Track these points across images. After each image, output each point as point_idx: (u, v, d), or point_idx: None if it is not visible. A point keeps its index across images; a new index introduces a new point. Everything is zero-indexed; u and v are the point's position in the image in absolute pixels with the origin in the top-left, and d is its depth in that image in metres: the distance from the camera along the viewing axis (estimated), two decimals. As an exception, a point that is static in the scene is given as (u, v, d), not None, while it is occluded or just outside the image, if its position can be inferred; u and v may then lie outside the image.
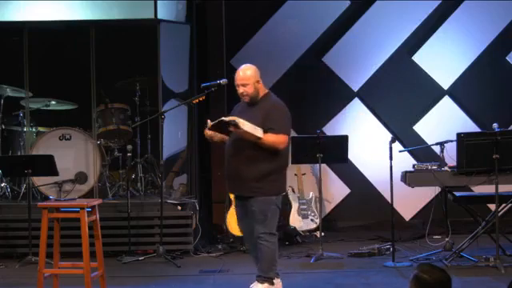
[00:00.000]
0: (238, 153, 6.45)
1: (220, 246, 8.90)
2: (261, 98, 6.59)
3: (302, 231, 9.27)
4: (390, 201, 7.95)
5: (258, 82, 6.58)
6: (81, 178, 9.02)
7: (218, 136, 6.57)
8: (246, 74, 6.57)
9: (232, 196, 8.84)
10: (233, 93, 9.76)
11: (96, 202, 6.56)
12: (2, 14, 9.18)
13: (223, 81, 7.57)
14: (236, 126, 6.28)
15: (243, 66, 6.68)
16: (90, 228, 6.39)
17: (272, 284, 6.56)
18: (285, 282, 6.86)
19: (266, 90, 6.67)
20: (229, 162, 6.56)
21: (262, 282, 6.56)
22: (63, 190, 8.85)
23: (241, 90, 6.56)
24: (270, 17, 10.11)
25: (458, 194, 8.07)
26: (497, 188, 7.50)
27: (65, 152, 8.96)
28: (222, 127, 6.44)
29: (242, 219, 6.70)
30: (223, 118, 6.38)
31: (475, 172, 7.64)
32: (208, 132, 6.56)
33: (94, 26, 9.15)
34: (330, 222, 9.95)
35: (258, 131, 6.35)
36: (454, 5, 10.03)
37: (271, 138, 6.38)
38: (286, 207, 9.38)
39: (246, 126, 6.31)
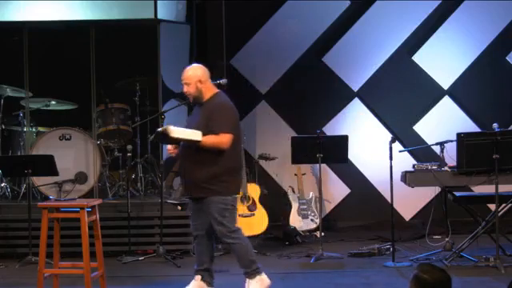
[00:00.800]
0: (187, 156, 6.49)
1: (220, 246, 8.88)
2: (208, 99, 6.56)
3: (302, 231, 9.27)
4: (390, 201, 7.95)
5: (200, 81, 6.52)
6: (81, 177, 9.02)
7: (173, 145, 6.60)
8: (188, 74, 6.57)
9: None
10: (233, 93, 9.81)
11: (96, 201, 6.57)
12: (2, 14, 9.18)
13: (223, 81, 7.56)
14: (167, 134, 6.29)
15: (189, 66, 6.70)
16: (90, 228, 6.39)
17: (260, 273, 6.61)
18: (285, 282, 6.87)
19: (215, 91, 6.62)
20: (181, 165, 6.62)
21: (252, 277, 6.60)
22: (63, 189, 8.85)
23: (184, 88, 6.58)
24: (270, 17, 10.11)
25: (457, 194, 8.07)
26: (497, 188, 7.50)
27: (65, 152, 8.95)
28: (162, 138, 6.49)
29: (195, 220, 6.67)
30: (158, 130, 6.40)
31: (475, 172, 7.64)
32: (170, 148, 6.60)
33: (94, 26, 9.15)
34: (329, 222, 9.95)
35: (195, 135, 6.34)
36: (453, 5, 10.04)
37: (210, 140, 6.36)
38: (286, 207, 9.39)
39: (177, 133, 6.31)
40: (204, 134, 6.37)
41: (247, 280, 6.62)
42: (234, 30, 9.99)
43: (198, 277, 6.74)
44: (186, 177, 6.59)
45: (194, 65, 6.73)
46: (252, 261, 6.64)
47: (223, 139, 6.39)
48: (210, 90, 6.59)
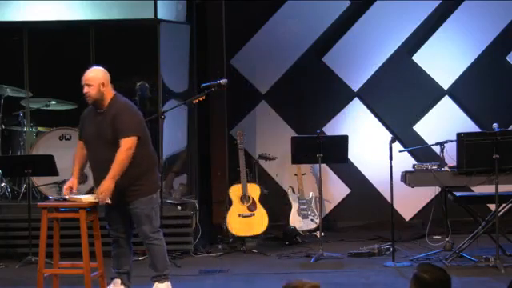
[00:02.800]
0: (102, 168, 6.34)
1: (220, 246, 8.90)
2: (108, 104, 6.46)
3: (302, 231, 9.27)
4: (390, 201, 7.95)
5: (103, 84, 6.43)
6: (81, 177, 9.00)
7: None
8: (90, 75, 6.45)
9: (234, 195, 8.87)
10: (233, 93, 9.82)
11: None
12: (2, 14, 9.19)
13: (223, 81, 7.59)
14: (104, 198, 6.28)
15: (92, 68, 6.57)
16: (90, 228, 6.39)
17: (169, 280, 6.62)
18: (285, 282, 6.85)
19: (113, 93, 6.52)
20: (97, 177, 6.46)
21: (162, 282, 6.59)
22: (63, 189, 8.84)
23: (85, 89, 6.44)
24: (270, 17, 10.11)
25: (458, 194, 8.07)
26: (497, 188, 7.50)
27: (65, 152, 8.94)
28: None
29: (117, 223, 6.59)
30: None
31: (475, 172, 7.64)
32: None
33: (94, 26, 9.15)
34: (329, 222, 9.94)
35: (116, 173, 6.25)
36: (453, 5, 10.03)
37: (121, 151, 6.27)
38: (286, 207, 9.39)
39: (106, 189, 6.23)
40: (111, 142, 6.30)
41: (156, 284, 6.58)
42: (234, 30, 9.99)
43: (118, 280, 6.67)
44: (97, 179, 6.46)
45: (96, 67, 6.59)
46: (166, 265, 6.65)
47: (129, 144, 6.29)
48: (110, 94, 6.49)
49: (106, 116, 6.40)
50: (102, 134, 6.37)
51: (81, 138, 6.64)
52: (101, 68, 6.57)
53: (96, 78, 6.42)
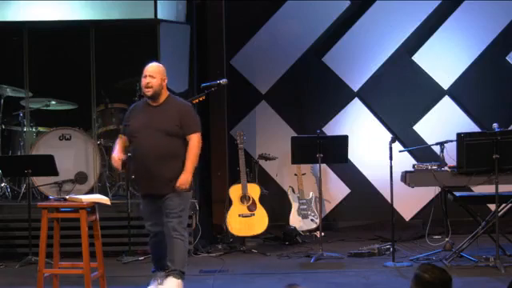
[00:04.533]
0: (154, 154, 6.50)
1: (220, 246, 8.90)
2: (165, 99, 6.65)
3: (302, 231, 9.27)
4: (390, 201, 7.94)
5: (163, 79, 6.67)
6: (81, 177, 9.02)
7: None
8: (154, 69, 6.68)
9: (234, 195, 8.87)
10: (233, 93, 9.83)
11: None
12: (2, 14, 9.18)
13: (223, 81, 7.58)
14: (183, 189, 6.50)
15: (153, 63, 6.82)
16: (90, 228, 6.40)
17: (183, 280, 6.66)
18: (285, 282, 6.85)
19: (168, 93, 6.75)
20: (142, 163, 6.57)
21: (178, 277, 6.60)
22: (63, 189, 8.85)
23: (147, 80, 6.61)
24: (270, 17, 10.11)
25: (457, 194, 8.07)
26: (497, 188, 7.50)
27: (65, 152, 8.96)
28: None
29: (156, 218, 6.67)
30: None
31: (475, 172, 7.64)
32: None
33: (94, 26, 9.15)
34: (330, 222, 9.95)
35: (192, 166, 6.55)
36: (453, 5, 10.03)
37: (195, 146, 6.57)
38: (286, 207, 9.39)
39: (186, 182, 6.48)
40: (171, 135, 6.50)
41: (170, 278, 6.59)
42: (234, 30, 9.99)
43: (163, 273, 6.70)
44: (146, 175, 6.56)
45: (157, 63, 6.84)
46: (185, 263, 6.69)
47: (198, 140, 6.61)
48: (166, 92, 6.72)
49: (164, 109, 6.60)
50: (159, 124, 6.52)
51: (124, 133, 6.73)
52: (161, 65, 6.83)
53: (159, 71, 6.66)
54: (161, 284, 6.64)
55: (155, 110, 6.62)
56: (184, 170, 6.48)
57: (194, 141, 6.56)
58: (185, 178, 6.47)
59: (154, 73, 6.62)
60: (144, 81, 6.62)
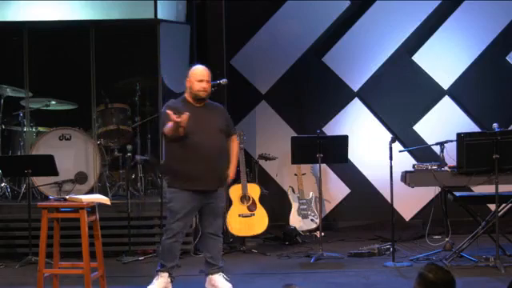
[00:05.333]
0: (214, 153, 6.71)
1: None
2: (206, 102, 6.85)
3: (302, 231, 9.27)
4: (389, 201, 7.94)
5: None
6: (81, 178, 9.02)
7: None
8: (207, 73, 6.83)
9: (234, 195, 8.87)
10: (233, 93, 9.83)
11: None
12: (2, 14, 9.19)
13: (223, 81, 7.56)
14: None
15: (201, 66, 6.92)
16: (90, 228, 6.39)
17: None
18: (285, 282, 6.86)
19: None
20: (201, 159, 6.65)
21: (222, 272, 6.86)
22: (63, 189, 8.85)
23: (204, 85, 6.74)
24: (270, 17, 10.11)
25: (457, 194, 8.07)
26: (497, 188, 7.50)
27: (65, 152, 8.95)
28: None
29: (188, 216, 6.79)
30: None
31: (475, 172, 7.64)
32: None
33: (94, 26, 9.15)
34: (330, 222, 9.95)
35: (236, 164, 7.08)
36: (453, 5, 10.03)
37: (236, 145, 7.07)
38: (286, 207, 9.39)
39: (234, 170, 7.00)
40: (223, 133, 6.82)
41: (218, 275, 6.82)
42: (234, 30, 9.99)
43: (166, 274, 6.82)
44: (205, 172, 6.68)
45: (204, 66, 6.94)
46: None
47: (236, 140, 7.12)
48: None
49: (210, 110, 6.83)
50: (214, 124, 6.77)
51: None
52: None
53: (209, 75, 6.85)
54: (214, 285, 6.82)
55: (203, 110, 6.77)
56: (230, 165, 6.89)
57: (235, 139, 7.05)
58: (232, 172, 6.91)
59: (208, 77, 6.80)
60: (200, 85, 6.73)
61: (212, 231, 6.84)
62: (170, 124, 6.49)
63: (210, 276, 6.88)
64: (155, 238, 8.52)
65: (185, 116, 6.44)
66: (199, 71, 6.81)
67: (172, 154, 6.77)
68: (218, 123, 6.80)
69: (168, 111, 6.48)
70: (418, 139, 9.92)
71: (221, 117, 6.90)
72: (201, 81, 6.75)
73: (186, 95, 6.85)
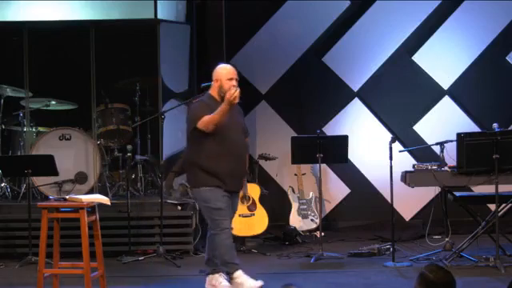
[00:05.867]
0: (242, 154, 6.80)
1: (220, 246, 8.88)
2: None
3: (302, 231, 9.27)
4: (390, 201, 7.94)
5: None
6: (81, 177, 9.02)
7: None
8: (236, 71, 6.84)
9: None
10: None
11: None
12: (2, 14, 9.19)
13: (223, 81, 7.56)
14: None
15: (227, 64, 6.97)
16: (90, 228, 6.39)
17: None
18: (285, 282, 6.85)
19: None
20: (235, 159, 6.68)
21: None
22: (63, 189, 8.85)
23: (234, 83, 6.71)
24: (270, 17, 10.11)
25: (457, 194, 8.07)
26: (497, 188, 7.50)
27: (65, 152, 8.95)
28: None
29: (229, 215, 6.83)
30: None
31: (475, 172, 7.64)
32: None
33: (94, 26, 9.16)
34: (330, 222, 9.95)
35: None
36: (453, 5, 10.03)
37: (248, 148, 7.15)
38: (286, 207, 9.38)
39: None
40: (244, 132, 6.91)
41: (221, 275, 6.79)
42: (234, 30, 9.99)
43: (240, 272, 6.79)
44: (237, 171, 6.74)
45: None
46: None
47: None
48: None
49: (234, 109, 6.72)
50: (241, 124, 6.88)
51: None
52: None
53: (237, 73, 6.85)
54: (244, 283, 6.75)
55: (230, 108, 6.68)
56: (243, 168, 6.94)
57: (248, 140, 7.05)
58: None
59: (236, 75, 6.80)
60: (230, 83, 6.68)
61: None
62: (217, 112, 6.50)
63: (212, 275, 6.82)
64: (155, 237, 8.52)
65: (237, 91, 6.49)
66: (229, 70, 6.79)
67: (206, 151, 6.63)
68: (242, 122, 6.90)
69: (232, 89, 6.50)
70: (418, 139, 9.92)
71: (242, 116, 7.00)
72: (231, 79, 6.71)
73: (213, 94, 6.77)
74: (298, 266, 8.01)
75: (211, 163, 6.62)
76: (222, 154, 6.62)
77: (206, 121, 6.55)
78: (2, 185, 9.06)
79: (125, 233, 8.44)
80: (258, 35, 10.14)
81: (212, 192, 6.65)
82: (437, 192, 8.10)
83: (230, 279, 6.73)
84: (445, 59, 10.02)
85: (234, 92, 6.47)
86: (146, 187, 9.30)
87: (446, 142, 7.98)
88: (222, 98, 6.63)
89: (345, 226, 9.99)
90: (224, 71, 6.79)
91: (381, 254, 8.26)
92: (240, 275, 6.71)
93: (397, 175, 7.95)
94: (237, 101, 6.53)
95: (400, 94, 10.08)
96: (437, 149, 8.24)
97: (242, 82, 10.07)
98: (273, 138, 10.05)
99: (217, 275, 6.82)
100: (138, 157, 9.32)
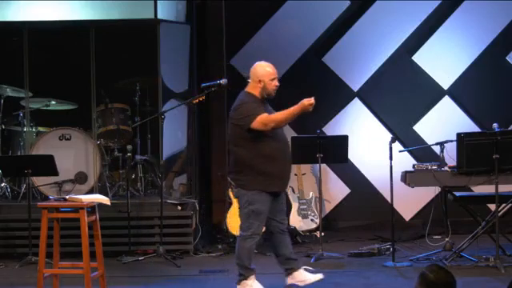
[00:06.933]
0: (287, 154, 6.78)
1: (220, 246, 8.90)
2: None
3: (302, 231, 9.27)
4: (389, 201, 7.94)
5: None
6: (81, 178, 9.02)
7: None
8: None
9: (233, 196, 8.86)
10: (233, 93, 9.81)
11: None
12: (2, 14, 9.19)
13: (223, 81, 7.58)
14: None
15: (267, 63, 6.92)
16: (90, 228, 6.39)
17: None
18: (285, 281, 6.86)
19: None
20: (284, 160, 6.66)
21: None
22: (63, 189, 8.85)
23: (277, 82, 6.77)
24: (270, 17, 10.11)
25: (457, 194, 8.07)
26: (497, 188, 7.50)
27: (65, 152, 8.96)
28: None
29: (279, 214, 6.79)
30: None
31: (475, 172, 7.64)
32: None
33: (94, 26, 9.15)
34: (330, 222, 9.95)
35: None
36: (453, 5, 10.03)
37: None
38: (286, 207, 9.37)
39: None
40: None
41: (302, 270, 6.87)
42: (234, 30, 9.99)
43: (301, 270, 6.87)
44: (287, 173, 6.75)
45: None
46: None
47: None
48: None
49: (270, 109, 6.82)
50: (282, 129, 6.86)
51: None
52: None
53: None
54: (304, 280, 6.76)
55: (267, 107, 6.73)
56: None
57: None
58: None
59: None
60: (274, 83, 6.74)
61: (284, 228, 6.80)
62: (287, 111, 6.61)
63: (295, 272, 6.79)
64: (155, 238, 8.52)
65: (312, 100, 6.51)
66: (272, 70, 6.77)
67: (260, 152, 6.55)
68: None
69: (311, 99, 6.57)
70: (418, 139, 9.92)
71: None
72: (274, 79, 6.72)
73: (254, 93, 6.72)
74: (298, 266, 8.00)
75: (265, 165, 6.53)
76: (275, 156, 6.56)
77: (269, 119, 6.53)
78: (2, 185, 9.06)
79: (125, 233, 8.44)
80: (258, 35, 10.14)
81: (260, 195, 6.56)
82: (437, 192, 8.11)
83: (241, 280, 6.70)
84: (445, 59, 10.02)
85: (312, 101, 6.54)
86: (146, 187, 9.30)
87: (446, 141, 7.99)
88: (263, 97, 6.66)
89: (345, 226, 9.99)
90: (267, 72, 6.72)
91: (381, 254, 8.26)
92: (254, 279, 6.72)
93: (397, 175, 7.95)
94: (310, 109, 6.60)
95: (400, 94, 10.08)
96: (437, 149, 8.24)
97: (242, 82, 10.12)
98: (273, 138, 10.03)
99: (301, 270, 6.81)
100: (138, 157, 9.32)
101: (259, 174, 6.52)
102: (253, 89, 6.73)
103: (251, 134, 6.54)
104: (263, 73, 6.71)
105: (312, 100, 6.53)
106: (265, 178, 6.52)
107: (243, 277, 6.69)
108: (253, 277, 6.71)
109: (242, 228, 6.69)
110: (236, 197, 7.00)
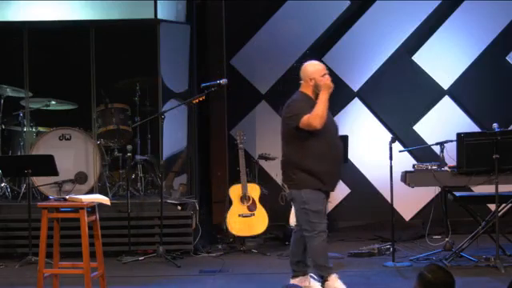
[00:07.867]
0: (341, 149, 6.80)
1: (220, 246, 8.90)
2: None
3: (302, 231, 9.25)
4: (389, 201, 7.94)
5: None
6: (81, 178, 9.02)
7: None
8: None
9: (234, 195, 8.86)
10: (233, 93, 9.83)
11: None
12: (2, 14, 9.19)
13: (223, 81, 7.57)
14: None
15: (315, 61, 6.91)
16: (90, 228, 6.39)
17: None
18: (285, 282, 6.86)
19: None
20: (337, 159, 6.67)
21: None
22: (63, 189, 8.85)
23: (329, 78, 6.71)
24: (270, 17, 10.11)
25: (457, 194, 8.07)
26: (497, 188, 7.50)
27: (65, 152, 8.96)
28: None
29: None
30: None
31: (475, 172, 7.64)
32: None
33: (94, 26, 9.15)
34: (330, 222, 9.89)
35: None
36: (453, 5, 10.03)
37: None
38: (286, 207, 9.37)
39: None
40: None
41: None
42: (234, 30, 9.99)
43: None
44: (337, 172, 6.74)
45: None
46: None
47: None
48: None
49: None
50: (335, 124, 6.89)
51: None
52: None
53: None
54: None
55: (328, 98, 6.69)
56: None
57: None
58: None
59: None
60: (327, 77, 6.70)
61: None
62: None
63: (302, 277, 6.80)
64: (155, 238, 8.52)
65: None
66: (321, 66, 6.75)
67: (309, 151, 6.56)
68: (335, 122, 6.89)
69: (327, 80, 6.54)
70: (418, 139, 9.92)
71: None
72: (324, 74, 6.69)
73: (307, 92, 6.72)
74: (298, 265, 7.99)
75: (315, 164, 6.53)
76: (324, 155, 6.54)
77: (312, 116, 6.50)
78: (2, 185, 9.06)
79: (125, 233, 8.44)
80: (258, 35, 10.14)
81: (313, 194, 6.57)
82: (437, 192, 8.11)
83: (324, 282, 6.64)
84: (445, 59, 10.02)
85: (328, 78, 6.53)
86: (146, 187, 9.30)
87: (446, 141, 7.99)
88: (317, 96, 6.62)
89: (345, 226, 9.99)
90: (317, 69, 6.71)
91: (381, 254, 8.26)
92: (335, 279, 6.65)
93: (397, 175, 7.95)
94: (332, 86, 6.56)
95: (400, 94, 10.08)
96: (437, 149, 8.24)
97: (242, 82, 10.15)
98: (273, 138, 10.00)
99: (308, 276, 6.79)
100: (138, 157, 9.32)
101: (309, 173, 6.54)
102: (305, 88, 6.76)
103: (300, 133, 6.59)
104: (313, 70, 6.73)
105: (327, 78, 6.59)
106: (315, 178, 6.53)
107: (324, 278, 6.65)
108: (334, 276, 6.64)
109: (306, 230, 6.70)
110: (290, 199, 6.98)
